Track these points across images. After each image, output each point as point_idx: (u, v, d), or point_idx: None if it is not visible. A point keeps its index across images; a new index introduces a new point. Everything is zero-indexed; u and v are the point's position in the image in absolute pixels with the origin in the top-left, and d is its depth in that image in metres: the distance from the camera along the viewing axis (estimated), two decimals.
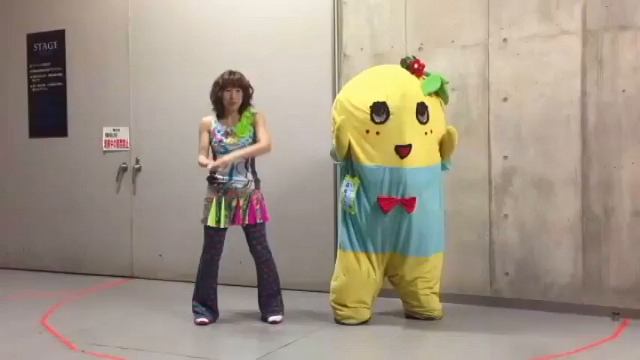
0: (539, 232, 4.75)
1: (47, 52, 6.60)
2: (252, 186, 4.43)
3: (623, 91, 4.51)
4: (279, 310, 4.53)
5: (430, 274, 4.42)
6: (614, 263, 4.55)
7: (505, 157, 4.83)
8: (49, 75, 6.60)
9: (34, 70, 6.68)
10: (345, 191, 4.33)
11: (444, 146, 4.40)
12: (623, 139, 4.51)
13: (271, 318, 4.48)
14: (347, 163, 4.39)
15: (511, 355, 3.87)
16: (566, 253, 4.68)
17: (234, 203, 4.38)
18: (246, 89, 4.43)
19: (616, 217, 4.54)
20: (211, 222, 4.36)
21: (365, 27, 5.25)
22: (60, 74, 6.55)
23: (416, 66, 4.41)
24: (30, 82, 6.71)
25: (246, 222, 4.41)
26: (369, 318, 4.43)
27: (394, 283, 4.55)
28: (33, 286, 5.94)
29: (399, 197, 4.23)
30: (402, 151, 4.20)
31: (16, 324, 4.60)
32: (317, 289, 5.26)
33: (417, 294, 4.43)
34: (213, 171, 4.33)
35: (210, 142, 4.43)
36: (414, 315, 4.50)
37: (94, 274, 6.29)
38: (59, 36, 6.52)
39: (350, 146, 4.31)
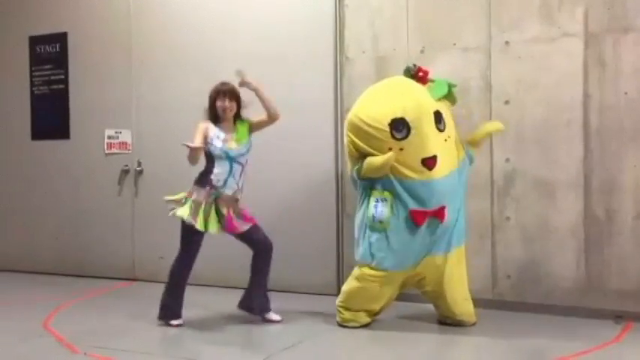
0: (541, 234, 4.74)
1: (49, 54, 6.61)
2: (239, 195, 4.45)
3: (626, 93, 4.50)
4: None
5: (457, 270, 4.34)
6: (617, 266, 4.54)
7: (507, 160, 4.83)
8: (52, 77, 6.61)
9: (37, 73, 6.69)
10: (376, 207, 4.21)
11: (478, 136, 4.39)
12: (626, 141, 4.50)
13: (274, 317, 4.56)
14: (371, 180, 4.28)
15: (513, 359, 3.86)
16: (569, 255, 4.67)
17: (223, 211, 4.39)
18: (238, 99, 4.48)
19: (618, 220, 4.53)
20: (200, 226, 4.32)
21: (367, 30, 5.25)
22: (62, 77, 6.56)
23: (420, 74, 4.37)
24: (32, 85, 6.72)
25: (244, 228, 4.44)
26: (371, 321, 4.42)
27: (424, 292, 4.46)
28: (35, 289, 5.95)
29: (431, 209, 4.16)
30: (429, 163, 4.14)
31: (18, 327, 4.61)
32: (318, 292, 5.26)
33: (441, 295, 4.35)
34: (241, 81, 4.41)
35: (206, 146, 4.41)
36: (445, 321, 4.42)
37: (96, 276, 6.29)
38: (61, 38, 6.53)
39: None
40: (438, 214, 4.18)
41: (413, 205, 4.16)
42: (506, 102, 4.82)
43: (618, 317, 4.47)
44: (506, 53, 4.82)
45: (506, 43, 4.81)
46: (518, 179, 4.80)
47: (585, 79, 4.60)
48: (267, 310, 4.58)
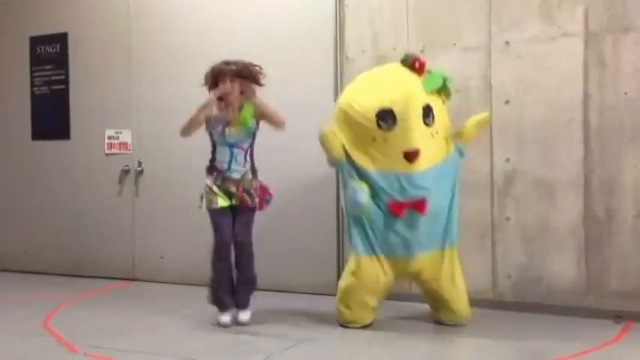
0: (541, 234, 4.74)
1: (50, 54, 6.62)
2: (250, 176, 4.45)
3: (626, 93, 4.50)
4: (248, 306, 4.49)
5: (446, 269, 4.34)
6: (617, 266, 4.54)
7: (507, 160, 4.82)
8: (52, 78, 6.61)
9: (37, 73, 6.69)
10: (355, 195, 4.23)
11: (467, 131, 4.37)
12: (626, 141, 4.50)
13: (242, 317, 4.46)
14: (351, 168, 4.31)
15: (513, 359, 3.86)
16: (569, 255, 4.66)
17: (233, 189, 4.39)
18: (244, 79, 4.40)
19: (618, 220, 4.53)
20: (222, 203, 4.35)
21: (367, 29, 5.25)
22: (62, 77, 6.56)
23: (417, 65, 4.35)
24: (33, 85, 6.72)
25: (255, 204, 4.42)
26: (372, 322, 4.41)
27: (422, 288, 4.48)
28: (34, 289, 5.95)
29: (410, 201, 4.17)
30: (410, 155, 4.15)
31: (17, 326, 4.61)
32: (318, 292, 5.25)
33: (439, 292, 4.35)
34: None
35: (208, 128, 4.46)
36: (440, 321, 4.42)
37: (96, 276, 6.28)
38: (62, 39, 6.53)
39: (355, 153, 4.27)
40: (417, 206, 4.17)
41: (391, 197, 4.18)
42: (507, 102, 4.82)
43: (618, 317, 4.46)
44: (506, 53, 4.81)
45: (507, 42, 4.81)
46: (518, 179, 4.80)
47: (585, 79, 4.59)
48: (239, 311, 4.48)
